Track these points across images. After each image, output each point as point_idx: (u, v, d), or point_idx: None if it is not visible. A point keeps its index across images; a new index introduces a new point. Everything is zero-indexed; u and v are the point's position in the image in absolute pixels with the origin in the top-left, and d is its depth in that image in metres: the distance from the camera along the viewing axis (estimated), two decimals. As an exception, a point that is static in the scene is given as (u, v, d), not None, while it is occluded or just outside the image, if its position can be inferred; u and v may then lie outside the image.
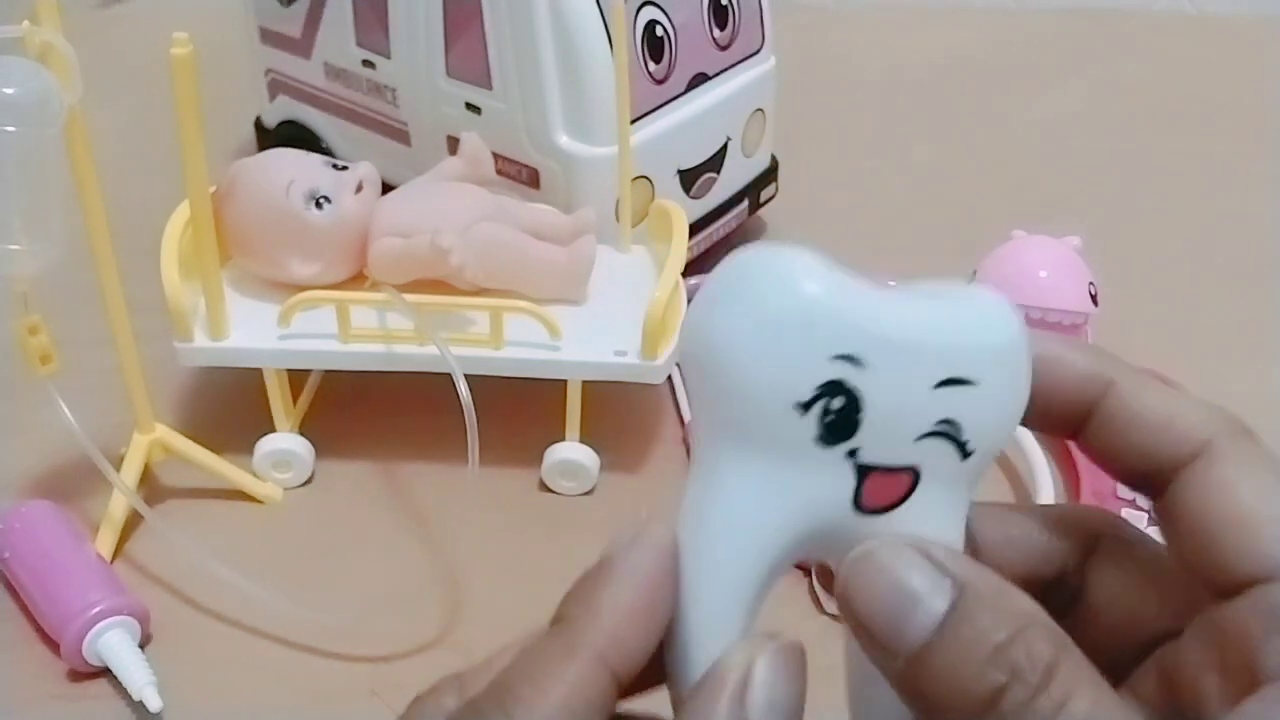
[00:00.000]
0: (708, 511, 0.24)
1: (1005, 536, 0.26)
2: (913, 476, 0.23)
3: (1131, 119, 0.96)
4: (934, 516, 0.23)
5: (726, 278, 0.22)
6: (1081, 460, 0.60)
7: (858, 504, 0.23)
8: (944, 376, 0.22)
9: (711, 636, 0.23)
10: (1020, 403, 0.23)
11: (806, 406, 0.22)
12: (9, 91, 0.47)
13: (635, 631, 0.23)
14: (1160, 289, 0.65)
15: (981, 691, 0.20)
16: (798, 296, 0.21)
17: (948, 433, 0.23)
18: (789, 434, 0.22)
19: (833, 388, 0.22)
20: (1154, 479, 0.24)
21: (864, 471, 0.23)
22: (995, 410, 0.23)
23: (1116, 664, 0.25)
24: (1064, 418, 0.25)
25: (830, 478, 0.23)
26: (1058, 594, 0.26)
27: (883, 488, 0.23)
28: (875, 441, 0.22)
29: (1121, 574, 0.26)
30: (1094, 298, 0.66)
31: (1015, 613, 0.21)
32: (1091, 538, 0.27)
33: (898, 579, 0.21)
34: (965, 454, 0.23)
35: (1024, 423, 0.24)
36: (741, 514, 0.23)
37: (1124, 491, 0.60)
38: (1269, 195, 0.86)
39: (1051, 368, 0.24)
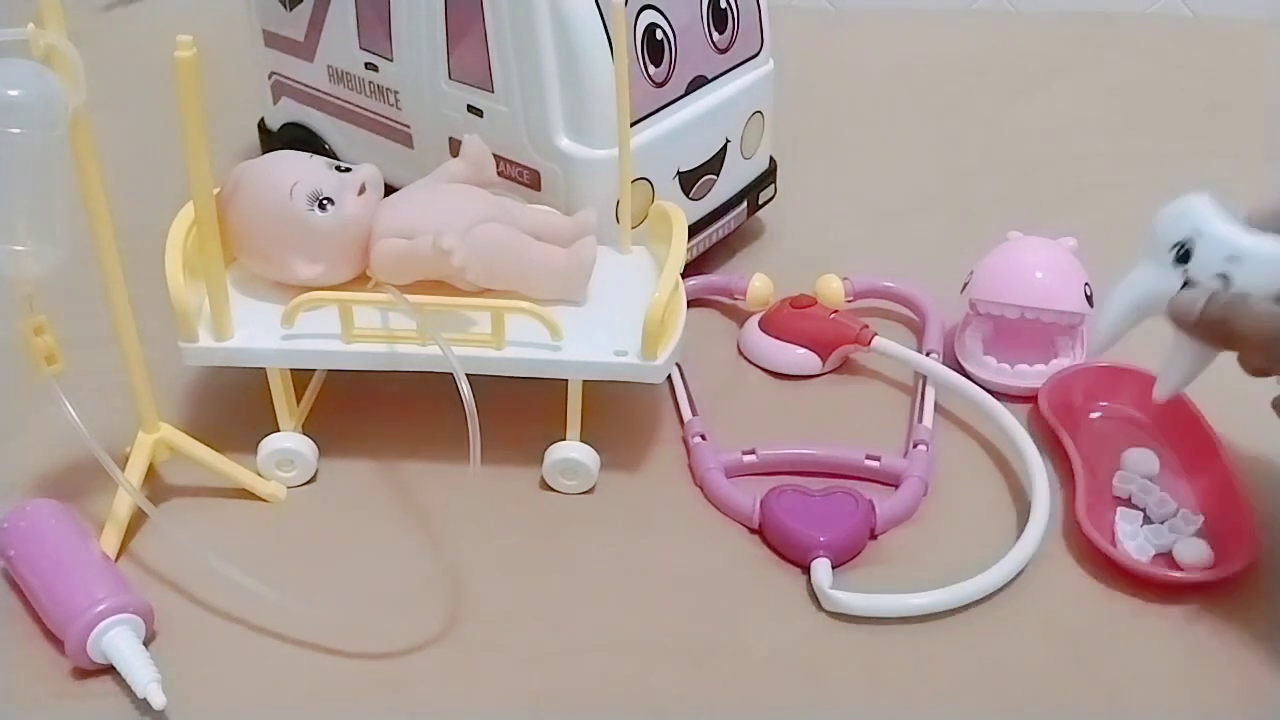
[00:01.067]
0: (1125, 280, 0.55)
1: None
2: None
3: (1129, 120, 0.96)
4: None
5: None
6: (1078, 462, 0.60)
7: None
8: (1226, 256, 0.52)
9: (1106, 331, 0.56)
10: (1264, 289, 0.51)
11: (1171, 249, 0.53)
12: (14, 94, 0.47)
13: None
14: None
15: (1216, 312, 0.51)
16: (1186, 210, 0.53)
17: (1225, 277, 0.52)
18: (1164, 258, 0.53)
19: (1181, 245, 0.53)
20: None
21: (1187, 281, 0.53)
22: (1249, 278, 0.51)
23: None
24: None
25: (1175, 278, 0.53)
26: None
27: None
28: (1194, 271, 0.52)
29: None
30: (1089, 298, 0.66)
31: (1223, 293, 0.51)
32: None
33: (1188, 298, 0.52)
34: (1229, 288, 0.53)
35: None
36: (1138, 283, 0.55)
37: (1119, 490, 0.60)
38: (1267, 196, 0.86)
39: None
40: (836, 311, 0.70)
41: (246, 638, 0.54)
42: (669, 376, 0.65)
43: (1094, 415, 0.65)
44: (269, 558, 0.56)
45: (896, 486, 0.61)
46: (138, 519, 0.58)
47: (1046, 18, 1.11)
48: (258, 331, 0.59)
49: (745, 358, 0.70)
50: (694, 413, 0.65)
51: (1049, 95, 1.00)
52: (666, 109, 0.68)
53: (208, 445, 0.59)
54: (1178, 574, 0.55)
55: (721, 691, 0.52)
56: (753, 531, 0.59)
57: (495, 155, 0.65)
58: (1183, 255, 0.52)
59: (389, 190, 0.63)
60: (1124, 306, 0.55)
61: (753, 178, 0.77)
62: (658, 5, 0.67)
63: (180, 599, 0.55)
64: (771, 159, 0.78)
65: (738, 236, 0.78)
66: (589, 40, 0.63)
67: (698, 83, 0.70)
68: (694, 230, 0.70)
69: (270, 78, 0.79)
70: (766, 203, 0.79)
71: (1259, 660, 0.53)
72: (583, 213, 0.63)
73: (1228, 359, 0.50)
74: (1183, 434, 0.62)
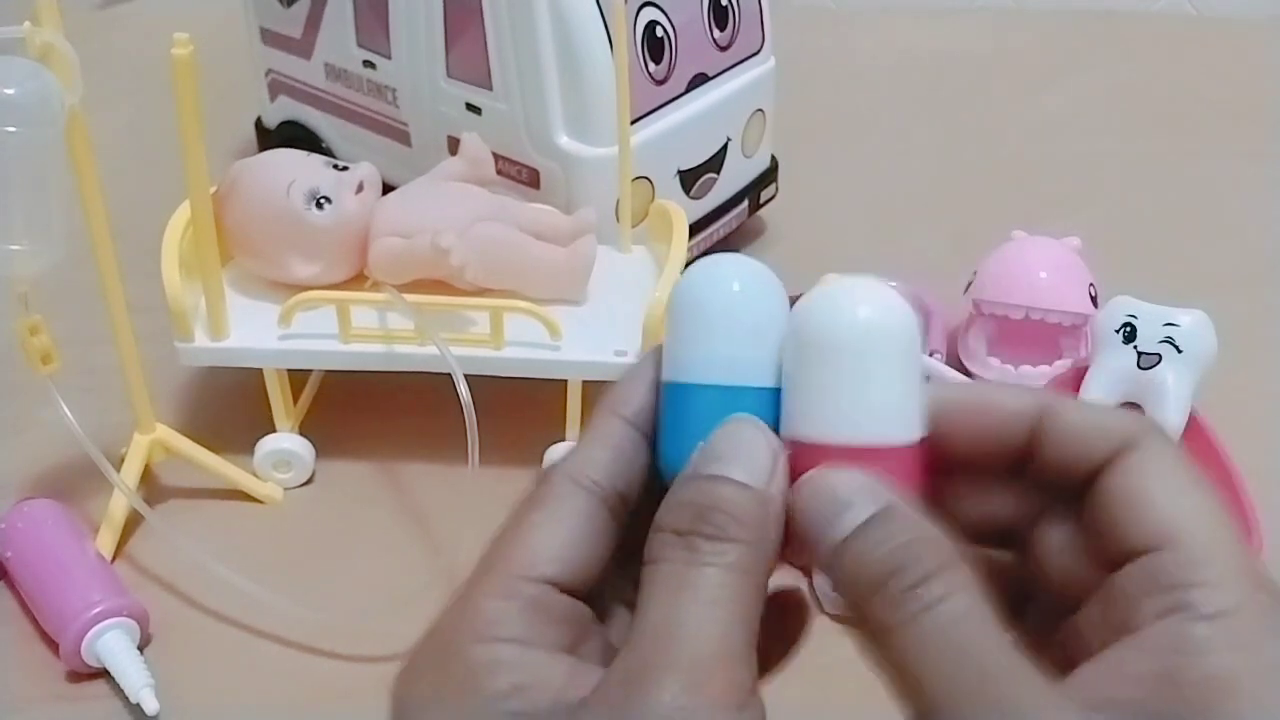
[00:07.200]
0: (1089, 374, 0.62)
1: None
2: (1158, 357, 0.60)
3: (1132, 119, 0.96)
4: (1174, 374, 0.60)
5: None
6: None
7: (1138, 365, 0.60)
8: (1164, 323, 0.60)
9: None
10: (1207, 350, 0.60)
11: (1118, 332, 0.61)
12: (10, 92, 0.47)
13: None
14: (1160, 290, 0.65)
15: (876, 572, 0.25)
16: (1119, 302, 0.62)
17: (1170, 340, 0.59)
18: (1114, 342, 0.61)
19: (1125, 325, 0.61)
20: (1082, 479, 0.27)
21: (1140, 354, 0.60)
22: (1192, 344, 0.60)
23: (1052, 614, 0.29)
24: (1010, 448, 0.28)
25: (1129, 355, 0.60)
26: (1009, 543, 0.30)
27: (1147, 361, 0.60)
28: (1141, 345, 0.60)
29: (1061, 535, 0.28)
30: (1094, 299, 0.66)
31: (919, 527, 0.25)
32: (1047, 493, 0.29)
33: (834, 492, 0.26)
34: (1179, 352, 0.60)
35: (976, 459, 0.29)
36: (1101, 370, 0.61)
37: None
38: (1269, 196, 0.86)
39: (985, 415, 0.28)
40: (838, 311, 0.69)
41: (243, 640, 0.53)
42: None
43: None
44: (266, 559, 0.56)
45: (898, 487, 0.60)
46: (134, 520, 0.57)
47: (1050, 16, 1.11)
48: (254, 331, 0.58)
49: (746, 357, 0.70)
50: (694, 413, 0.64)
51: (1053, 93, 0.99)
52: (667, 107, 0.68)
53: (204, 446, 0.59)
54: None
55: (722, 695, 0.51)
56: (754, 533, 0.59)
57: (494, 153, 0.64)
58: (1129, 334, 0.61)
59: (387, 189, 0.62)
60: (1097, 394, 0.61)
61: (754, 176, 0.76)
62: (658, 2, 0.66)
63: (176, 601, 0.55)
64: (773, 157, 0.78)
65: (739, 236, 0.78)
66: (588, 37, 0.63)
67: (698, 80, 0.69)
68: (695, 229, 0.70)
69: (267, 75, 0.78)
70: (768, 201, 0.78)
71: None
72: (582, 211, 0.63)
73: (1223, 364, 0.51)
74: (1186, 435, 0.62)
